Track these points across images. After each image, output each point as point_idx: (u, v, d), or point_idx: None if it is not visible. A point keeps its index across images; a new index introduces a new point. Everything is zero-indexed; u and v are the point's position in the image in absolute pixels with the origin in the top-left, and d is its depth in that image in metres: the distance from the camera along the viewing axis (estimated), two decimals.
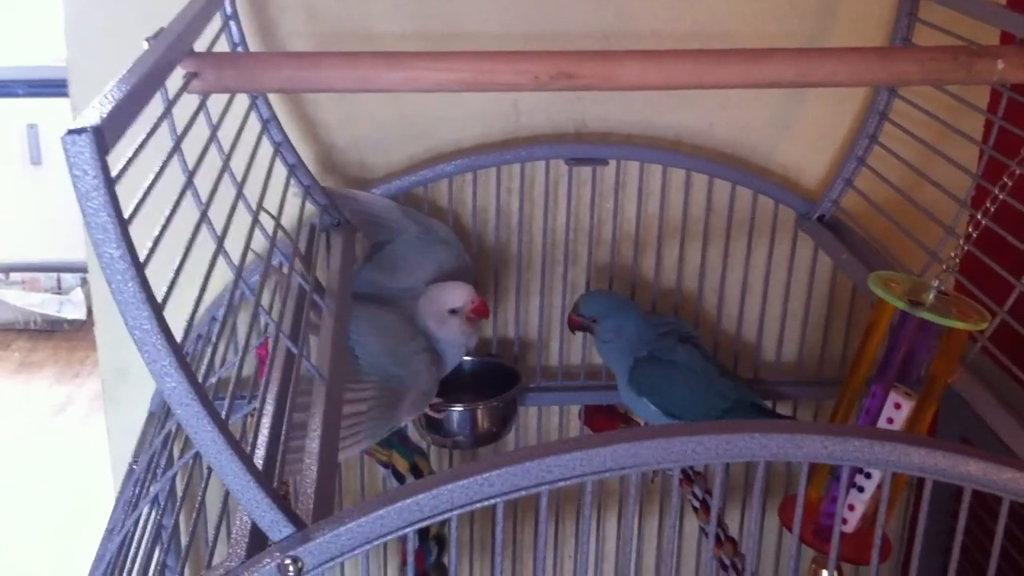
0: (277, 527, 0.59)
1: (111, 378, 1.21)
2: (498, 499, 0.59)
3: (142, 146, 0.58)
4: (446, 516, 0.59)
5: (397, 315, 1.05)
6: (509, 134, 1.18)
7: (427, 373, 1.02)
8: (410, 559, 0.64)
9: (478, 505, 0.59)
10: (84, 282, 3.26)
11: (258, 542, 0.62)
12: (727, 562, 1.07)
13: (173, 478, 1.00)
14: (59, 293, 3.37)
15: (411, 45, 1.12)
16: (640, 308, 1.14)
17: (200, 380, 0.70)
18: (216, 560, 0.71)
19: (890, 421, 0.85)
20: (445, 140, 1.18)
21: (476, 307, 1.05)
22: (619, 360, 1.11)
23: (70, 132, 0.49)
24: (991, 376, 0.90)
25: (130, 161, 0.55)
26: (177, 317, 0.63)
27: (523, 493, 0.59)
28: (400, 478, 1.07)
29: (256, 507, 0.59)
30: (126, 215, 0.52)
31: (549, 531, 1.27)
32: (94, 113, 0.52)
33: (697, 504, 1.11)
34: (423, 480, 0.59)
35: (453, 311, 1.04)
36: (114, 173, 0.51)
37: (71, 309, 3.34)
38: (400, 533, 0.59)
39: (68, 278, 3.35)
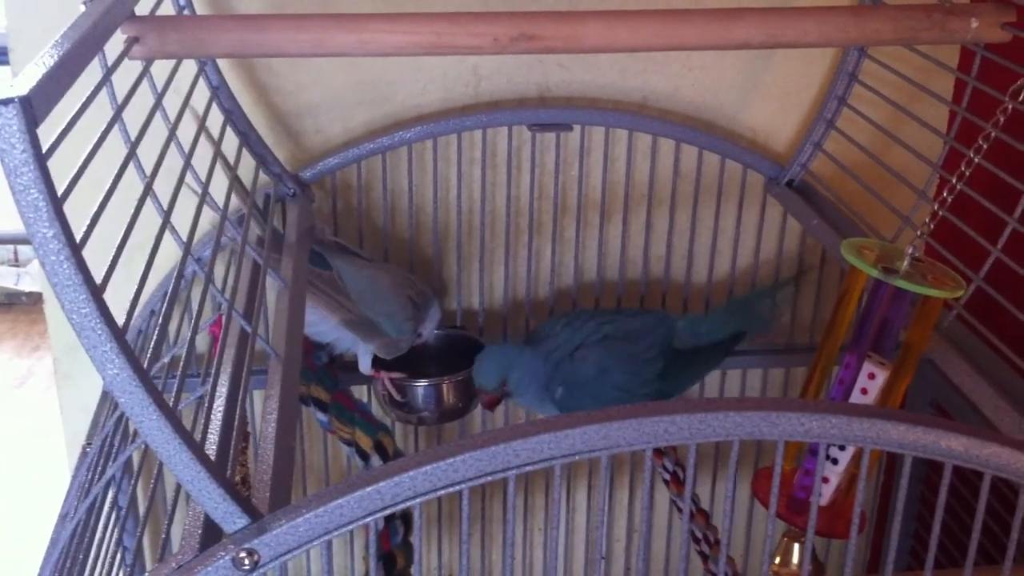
0: (231, 519, 0.56)
1: (63, 356, 1.17)
2: (463, 485, 0.56)
3: (77, 117, 0.54)
4: (410, 504, 0.56)
5: (390, 279, 1.06)
6: (470, 99, 1.15)
7: (409, 335, 1.07)
8: (372, 542, 0.61)
9: (442, 492, 0.56)
10: None
11: (212, 533, 0.59)
12: (699, 534, 1.06)
13: (127, 460, 0.97)
14: (16, 265, 3.30)
15: (366, 6, 1.08)
16: (527, 344, 1.09)
17: (149, 361, 0.67)
18: (174, 546, 0.68)
19: (864, 392, 0.83)
20: (404, 106, 1.14)
21: None
22: (540, 406, 1.08)
23: None
24: (966, 344, 0.88)
25: (63, 133, 0.52)
26: (127, 294, 0.60)
27: (489, 478, 0.56)
28: (364, 456, 1.04)
29: (208, 498, 0.56)
30: (60, 191, 0.48)
31: (517, 503, 1.25)
32: (23, 82, 0.48)
33: (667, 477, 1.09)
34: (385, 467, 0.56)
35: None
36: (46, 147, 0.48)
37: (28, 282, 3.27)
38: (361, 523, 0.56)
39: (25, 250, 3.28)
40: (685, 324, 1.12)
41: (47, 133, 0.48)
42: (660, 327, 1.10)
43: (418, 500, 0.56)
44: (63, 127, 0.52)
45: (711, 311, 1.16)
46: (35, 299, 3.27)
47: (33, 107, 0.46)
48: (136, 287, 0.61)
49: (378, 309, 1.04)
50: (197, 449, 0.54)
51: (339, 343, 1.06)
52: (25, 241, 3.21)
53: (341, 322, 1.03)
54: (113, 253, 0.57)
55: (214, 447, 0.65)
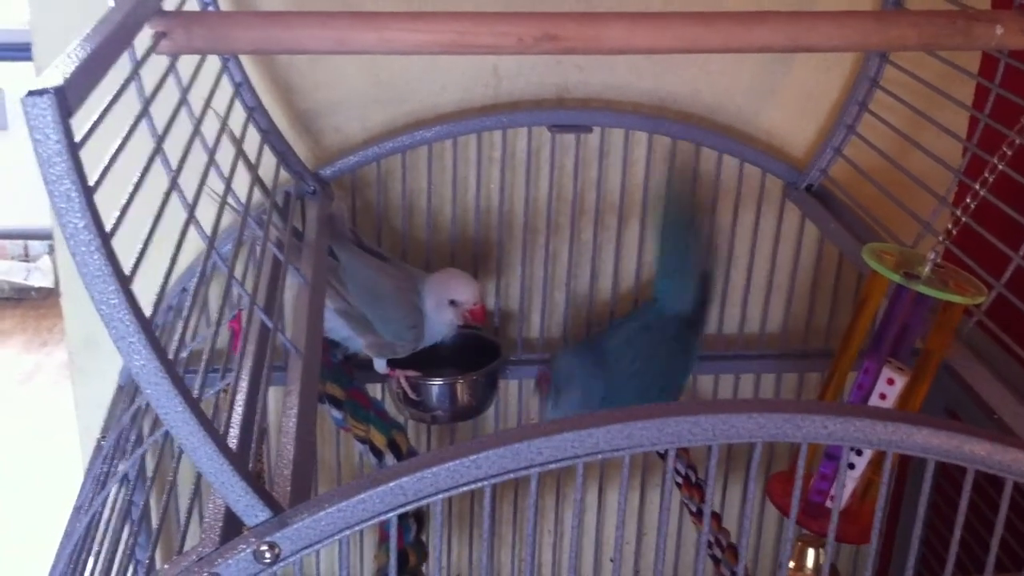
0: (252, 512, 0.56)
1: (78, 349, 1.18)
2: (486, 482, 0.56)
3: (108, 109, 0.55)
4: (431, 500, 0.56)
5: (395, 284, 1.05)
6: (489, 99, 1.15)
7: (408, 344, 1.06)
8: (393, 541, 0.62)
9: (464, 488, 0.56)
10: (51, 249, 3.20)
11: (233, 526, 0.59)
12: (711, 538, 1.05)
13: (143, 456, 0.97)
14: (26, 260, 3.31)
15: (389, 5, 1.08)
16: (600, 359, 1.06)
17: (171, 355, 0.67)
18: (188, 541, 0.68)
19: (883, 397, 0.83)
20: (423, 105, 1.14)
21: (475, 311, 1.06)
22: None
23: (30, 94, 0.45)
24: (986, 350, 0.88)
25: (95, 124, 0.52)
26: (146, 287, 0.60)
27: (511, 476, 0.56)
28: (378, 453, 1.04)
29: (230, 491, 0.56)
30: (91, 182, 0.48)
31: (528, 503, 1.26)
32: (56, 74, 0.49)
33: (679, 479, 1.09)
34: (408, 462, 0.57)
35: (453, 302, 1.05)
36: (78, 138, 0.48)
37: (38, 277, 3.28)
38: (382, 518, 0.56)
39: (35, 245, 3.29)
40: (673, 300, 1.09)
41: (75, 127, 0.48)
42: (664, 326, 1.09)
43: (440, 496, 0.56)
44: (93, 120, 0.52)
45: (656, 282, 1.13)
46: (44, 294, 3.28)
47: (67, 98, 0.46)
48: (162, 280, 0.61)
49: (373, 311, 1.03)
50: (220, 441, 0.54)
51: (351, 342, 1.06)
52: (36, 236, 3.22)
53: (336, 310, 1.02)
54: (138, 246, 0.57)
55: (235, 440, 0.65)
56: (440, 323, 1.07)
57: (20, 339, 3.06)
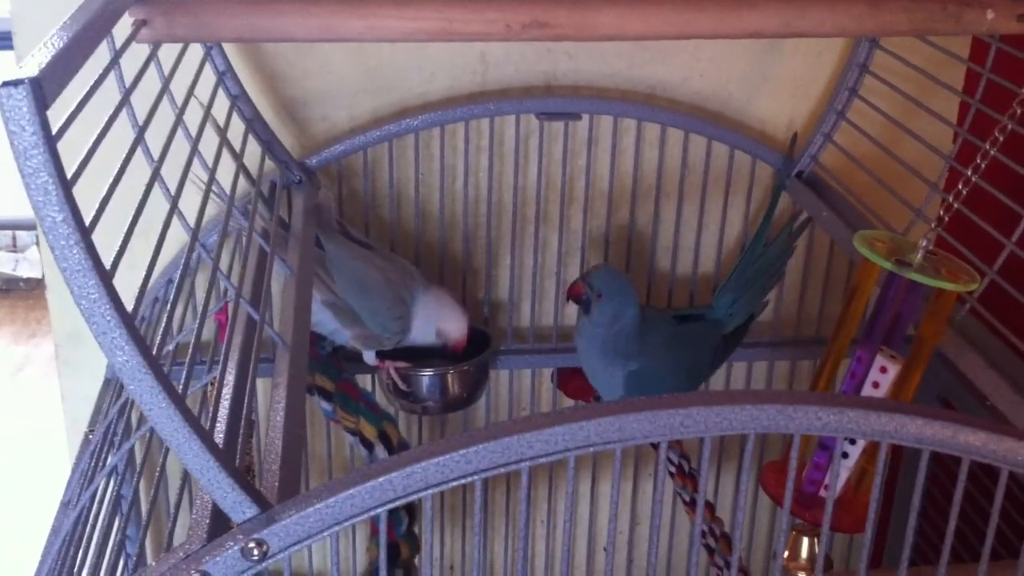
0: (240, 508, 0.56)
1: (64, 343, 1.16)
2: (476, 476, 0.55)
3: (86, 99, 0.54)
4: (421, 495, 0.55)
5: (382, 275, 1.04)
6: (477, 87, 1.14)
7: (394, 336, 1.05)
8: (382, 535, 0.61)
9: (454, 483, 0.55)
10: (39, 240, 3.18)
11: (220, 523, 0.59)
12: (705, 527, 1.05)
13: (131, 449, 0.96)
14: (14, 251, 3.29)
15: None
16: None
17: (155, 349, 0.66)
18: (178, 533, 0.67)
19: (876, 385, 0.83)
20: (411, 93, 1.13)
21: (455, 345, 1.08)
22: (605, 369, 1.05)
23: (5, 84, 0.45)
24: (980, 338, 0.87)
25: (73, 116, 0.51)
26: (131, 279, 0.59)
27: (502, 470, 0.55)
28: (368, 445, 1.03)
29: (217, 487, 0.55)
30: (69, 174, 0.47)
31: (521, 495, 1.25)
32: (33, 64, 0.48)
33: (673, 469, 1.09)
34: (397, 457, 0.56)
35: (439, 331, 1.06)
36: (55, 129, 0.47)
37: (27, 267, 3.26)
38: (371, 514, 0.55)
39: (23, 236, 3.27)
40: (723, 316, 1.11)
41: (53, 118, 0.47)
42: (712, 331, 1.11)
43: (430, 491, 0.55)
44: (71, 110, 0.51)
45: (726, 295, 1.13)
46: (33, 285, 3.26)
47: (43, 89, 0.46)
48: (144, 273, 0.60)
49: (360, 302, 1.02)
50: (207, 437, 0.54)
51: (338, 335, 1.05)
52: (24, 227, 3.20)
53: (323, 302, 1.01)
54: (121, 239, 0.56)
55: (221, 435, 0.64)
56: (422, 338, 1.07)
57: (9, 330, 3.05)
